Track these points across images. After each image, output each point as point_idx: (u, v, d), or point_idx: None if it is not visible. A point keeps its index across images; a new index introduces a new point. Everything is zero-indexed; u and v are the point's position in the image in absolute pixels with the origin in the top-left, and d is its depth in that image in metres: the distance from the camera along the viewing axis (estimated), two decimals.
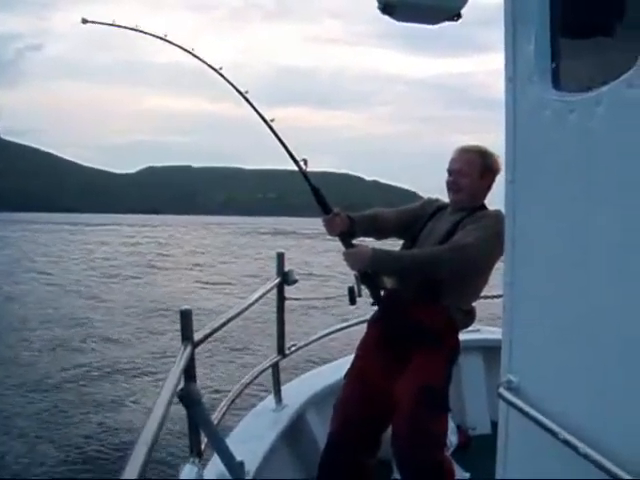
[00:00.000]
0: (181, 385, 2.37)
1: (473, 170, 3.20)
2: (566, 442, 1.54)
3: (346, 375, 3.34)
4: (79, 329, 16.65)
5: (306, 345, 4.35)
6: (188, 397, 2.43)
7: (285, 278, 3.92)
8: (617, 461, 1.40)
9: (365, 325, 3.47)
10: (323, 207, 3.16)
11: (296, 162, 3.19)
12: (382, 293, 3.17)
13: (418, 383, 3.00)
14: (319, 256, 37.65)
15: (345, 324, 4.91)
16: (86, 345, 14.84)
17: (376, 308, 3.27)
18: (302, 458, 3.77)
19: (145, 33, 3.34)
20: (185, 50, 3.33)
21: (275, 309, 4.01)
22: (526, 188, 1.89)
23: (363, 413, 3.16)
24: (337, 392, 3.41)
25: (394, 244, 3.37)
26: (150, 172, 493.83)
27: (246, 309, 3.26)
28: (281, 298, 3.95)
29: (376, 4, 2.40)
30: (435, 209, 3.36)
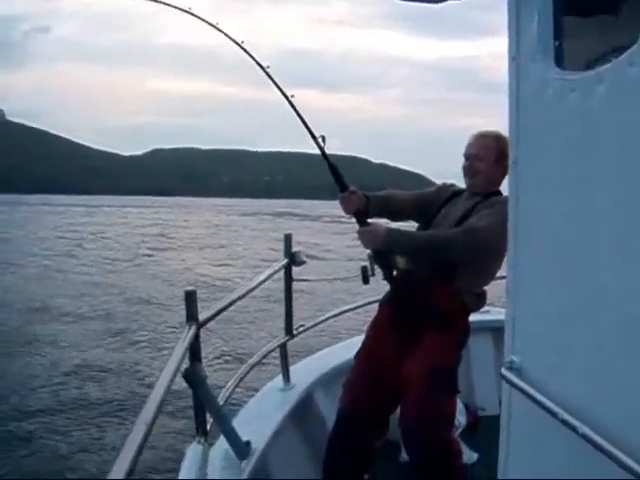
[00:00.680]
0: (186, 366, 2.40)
1: (489, 155, 3.19)
2: (565, 422, 1.54)
3: (356, 355, 3.35)
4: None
5: (314, 326, 4.36)
6: (193, 377, 2.45)
7: (292, 259, 3.92)
8: (616, 442, 1.41)
9: (373, 306, 3.48)
10: (340, 185, 3.17)
11: (315, 139, 3.20)
12: (395, 274, 3.18)
13: (428, 364, 3.00)
14: (327, 238, 37.76)
15: (353, 305, 4.92)
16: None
17: (388, 288, 3.28)
18: (310, 438, 3.78)
19: (170, 6, 3.31)
20: (209, 24, 3.30)
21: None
22: (529, 168, 1.88)
23: (372, 394, 3.18)
24: (345, 372, 3.42)
25: (407, 227, 3.37)
26: (157, 154, 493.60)
27: (252, 290, 3.27)
28: (289, 279, 3.96)
29: None
30: (450, 194, 3.36)
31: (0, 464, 7.34)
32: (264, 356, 3.71)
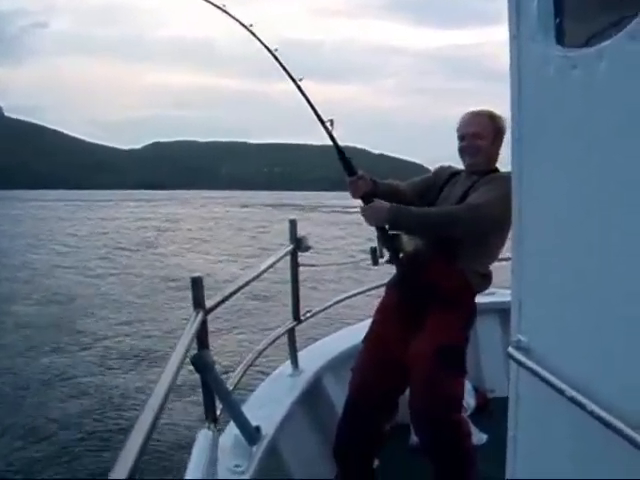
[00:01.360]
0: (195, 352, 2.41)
1: (487, 133, 3.22)
2: (573, 400, 1.54)
3: (364, 339, 3.36)
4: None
5: (322, 311, 4.38)
6: (201, 363, 2.46)
7: (298, 244, 3.93)
8: (624, 419, 1.41)
9: (380, 291, 3.49)
10: (348, 169, 3.18)
11: (322, 122, 3.21)
12: (401, 256, 3.18)
13: (434, 344, 3.01)
14: (324, 228, 37.88)
15: (359, 290, 4.93)
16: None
17: (394, 272, 3.29)
18: (319, 423, 3.80)
19: None
20: (216, 6, 3.29)
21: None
22: (532, 146, 1.87)
23: (380, 378, 3.18)
24: (354, 357, 3.43)
25: None
26: (156, 147, 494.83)
27: (258, 276, 3.28)
28: (295, 264, 3.96)
29: None
30: (449, 175, 3.38)
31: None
32: (272, 342, 3.72)
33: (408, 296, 3.23)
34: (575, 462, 1.71)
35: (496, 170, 3.26)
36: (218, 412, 2.72)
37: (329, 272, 17.43)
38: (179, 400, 7.84)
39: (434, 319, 3.07)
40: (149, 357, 11.21)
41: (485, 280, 3.24)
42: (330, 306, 4.52)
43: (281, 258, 3.71)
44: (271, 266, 3.48)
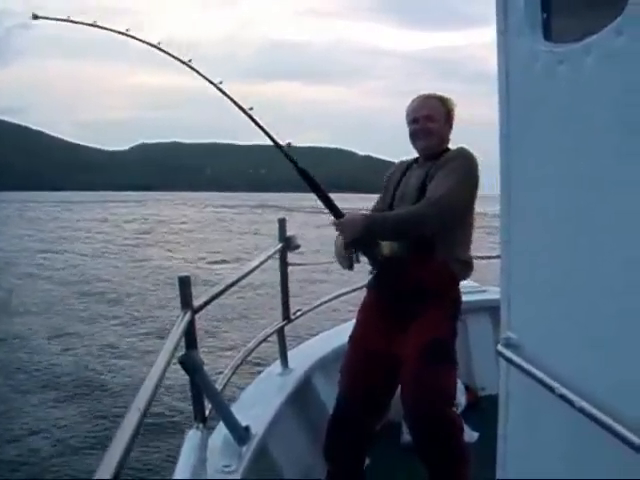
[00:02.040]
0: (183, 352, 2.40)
1: (439, 115, 3.22)
2: (563, 397, 1.54)
3: (349, 339, 3.34)
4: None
5: (311, 310, 4.36)
6: (190, 363, 2.44)
7: (287, 243, 3.91)
8: (614, 415, 1.40)
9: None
10: (335, 211, 3.13)
11: (280, 148, 3.18)
12: (379, 258, 3.17)
13: (423, 338, 2.99)
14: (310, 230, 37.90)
15: (349, 289, 4.91)
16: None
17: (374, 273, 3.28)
18: (309, 422, 3.79)
19: (105, 29, 3.26)
20: (150, 44, 3.27)
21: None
22: (520, 142, 1.87)
23: (367, 377, 3.16)
24: (343, 355, 3.42)
25: None
26: (142, 149, 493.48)
27: (247, 275, 3.26)
28: (284, 263, 3.95)
29: None
30: (405, 168, 3.37)
31: None
32: (262, 341, 3.71)
33: (389, 297, 3.22)
34: (565, 459, 1.71)
35: (447, 150, 3.26)
36: (207, 412, 2.71)
37: (318, 271, 17.39)
38: (168, 400, 7.80)
39: (421, 315, 3.06)
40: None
41: (466, 267, 3.23)
42: (320, 305, 4.51)
43: (270, 257, 3.69)
44: (260, 265, 3.47)
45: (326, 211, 3.13)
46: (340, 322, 5.06)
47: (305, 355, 4.19)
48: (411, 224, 3.04)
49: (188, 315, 2.41)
